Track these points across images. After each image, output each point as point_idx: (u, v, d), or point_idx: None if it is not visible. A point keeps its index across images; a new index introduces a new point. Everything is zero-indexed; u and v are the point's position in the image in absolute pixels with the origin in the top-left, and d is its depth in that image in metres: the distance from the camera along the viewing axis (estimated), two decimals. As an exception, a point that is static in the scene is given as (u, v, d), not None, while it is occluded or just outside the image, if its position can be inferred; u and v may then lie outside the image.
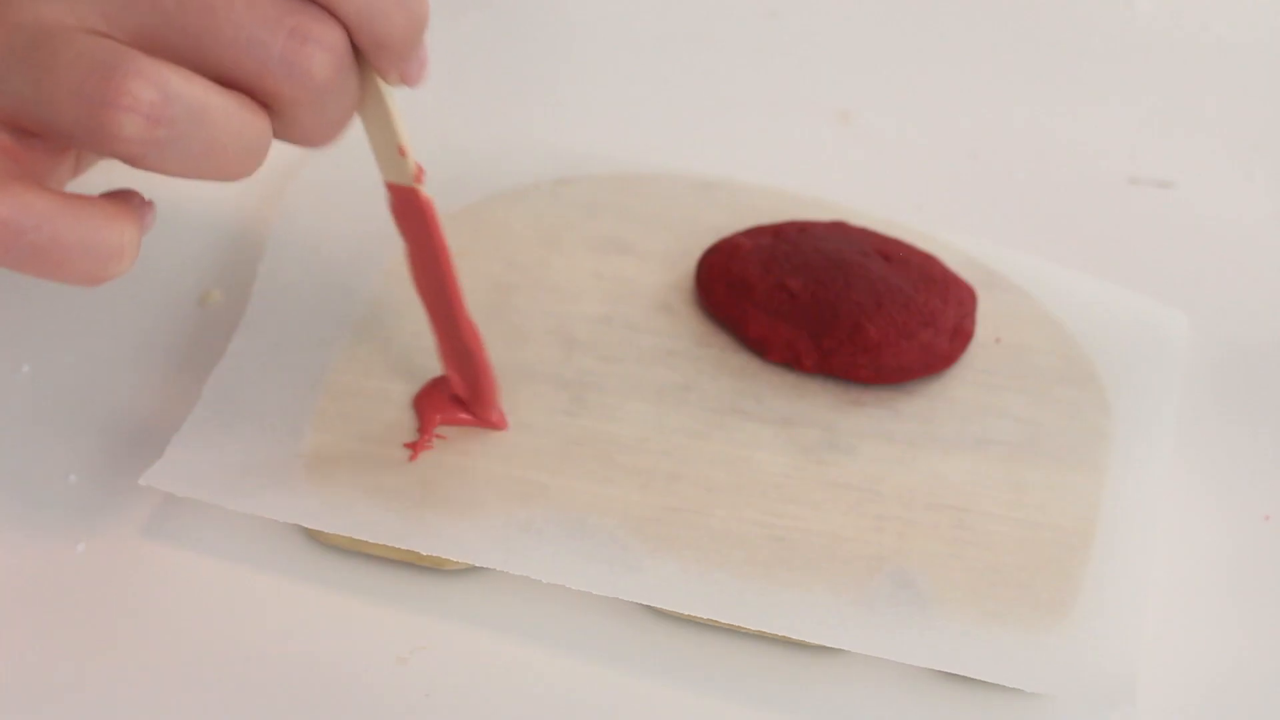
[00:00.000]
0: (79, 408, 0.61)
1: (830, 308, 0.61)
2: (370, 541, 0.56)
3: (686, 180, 0.68)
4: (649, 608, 0.56)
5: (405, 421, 0.59)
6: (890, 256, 0.63)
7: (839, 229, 0.64)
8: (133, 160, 0.47)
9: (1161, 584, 0.58)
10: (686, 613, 0.55)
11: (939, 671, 0.55)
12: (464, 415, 0.58)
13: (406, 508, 0.56)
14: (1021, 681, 0.53)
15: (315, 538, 0.57)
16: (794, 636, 0.54)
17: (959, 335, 0.62)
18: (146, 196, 0.50)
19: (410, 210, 0.55)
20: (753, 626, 0.54)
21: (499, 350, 0.61)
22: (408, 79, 0.51)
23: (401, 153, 0.53)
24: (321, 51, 0.48)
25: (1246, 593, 0.58)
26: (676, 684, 0.55)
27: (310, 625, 0.56)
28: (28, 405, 0.62)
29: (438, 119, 0.74)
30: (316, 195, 0.67)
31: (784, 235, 0.63)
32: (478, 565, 0.56)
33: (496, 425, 0.58)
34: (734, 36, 0.79)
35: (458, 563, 0.56)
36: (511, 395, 0.59)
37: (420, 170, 0.54)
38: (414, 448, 0.58)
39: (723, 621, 0.55)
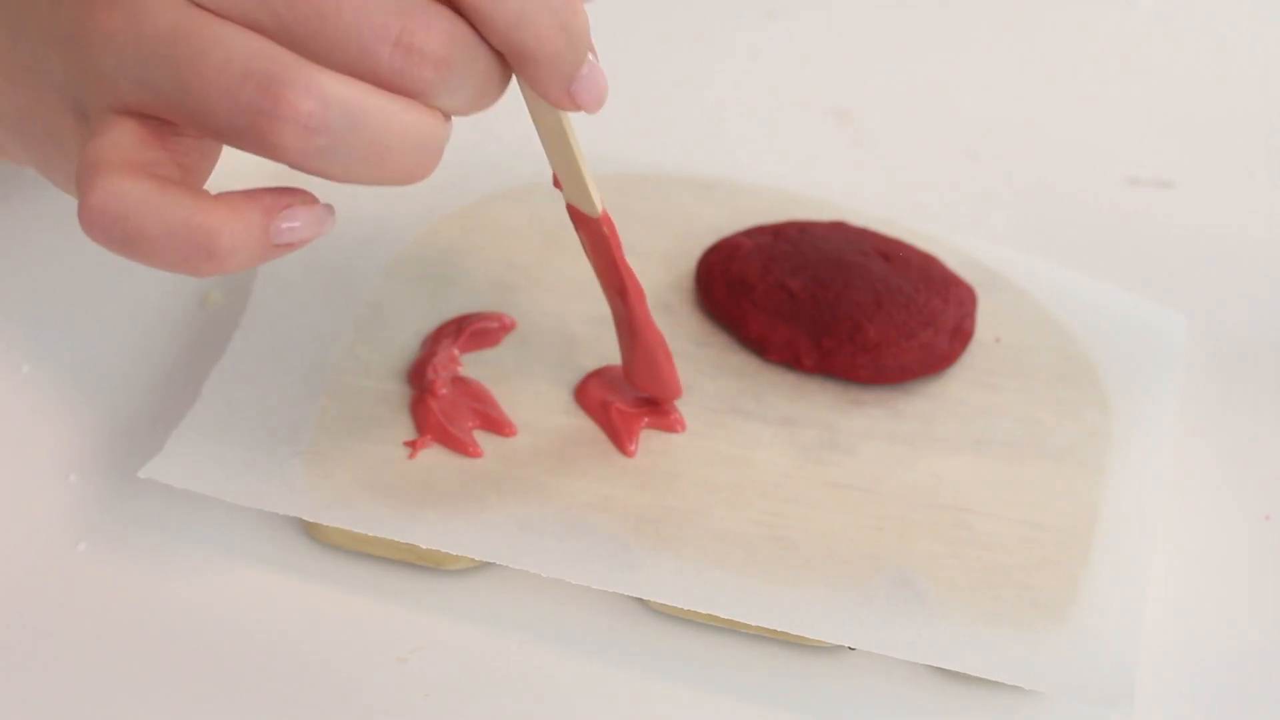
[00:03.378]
0: (79, 408, 0.61)
1: (830, 308, 0.61)
2: (369, 537, 0.56)
3: (686, 180, 0.68)
4: (649, 608, 0.56)
5: (404, 421, 0.59)
6: (890, 256, 0.63)
7: (839, 229, 0.64)
8: (295, 167, 0.46)
9: (1161, 584, 0.58)
10: (685, 608, 0.55)
11: (938, 671, 0.55)
12: (453, 433, 0.58)
13: (406, 503, 0.56)
14: (1020, 679, 0.53)
15: (314, 535, 0.57)
16: (792, 632, 0.54)
17: (959, 335, 0.62)
18: (323, 201, 0.48)
19: (591, 234, 0.55)
20: (751, 622, 0.54)
21: (500, 350, 0.61)
22: (577, 101, 0.49)
23: (584, 184, 0.53)
24: (429, 61, 0.46)
25: (1246, 593, 0.58)
26: (676, 684, 0.55)
27: (310, 624, 0.56)
28: (28, 405, 0.62)
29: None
30: (317, 195, 0.67)
31: (784, 235, 0.63)
32: (477, 560, 0.56)
33: (471, 453, 0.58)
34: (734, 36, 0.79)
35: (457, 561, 0.56)
36: (511, 396, 0.59)
37: (606, 214, 0.54)
38: (414, 446, 0.58)
39: (722, 618, 0.55)
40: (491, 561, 0.55)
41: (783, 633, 0.55)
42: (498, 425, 0.58)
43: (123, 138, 0.46)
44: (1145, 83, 0.78)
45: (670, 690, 0.55)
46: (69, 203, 0.69)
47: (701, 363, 0.61)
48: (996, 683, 0.54)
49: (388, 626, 0.56)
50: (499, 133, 0.71)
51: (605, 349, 0.61)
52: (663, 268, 0.64)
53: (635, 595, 0.55)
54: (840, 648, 0.56)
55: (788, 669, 0.55)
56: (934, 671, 0.55)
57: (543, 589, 0.56)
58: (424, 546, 0.55)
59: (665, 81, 0.77)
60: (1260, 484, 0.62)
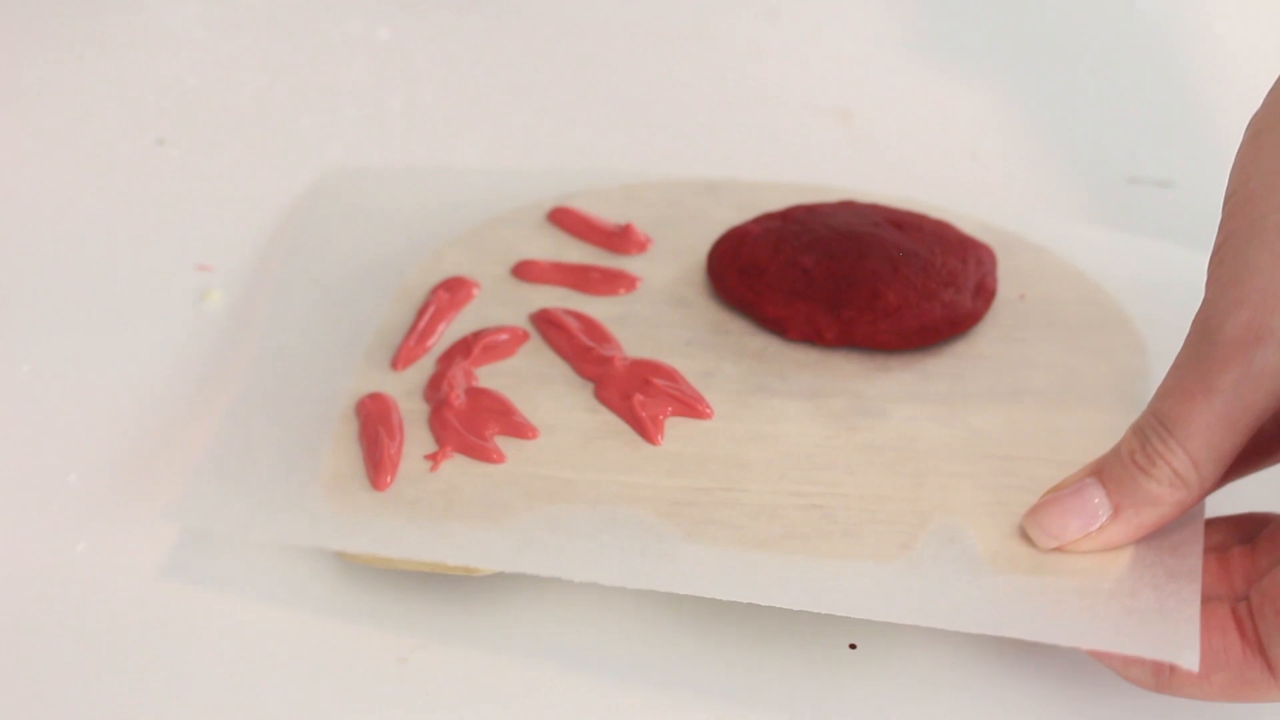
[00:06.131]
0: (79, 408, 0.61)
1: (846, 279, 0.60)
2: (397, 557, 0.55)
3: (690, 183, 0.68)
4: (651, 603, 0.56)
5: (424, 436, 0.58)
6: (903, 225, 0.62)
7: (847, 206, 0.63)
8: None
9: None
10: (727, 599, 0.53)
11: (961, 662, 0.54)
12: (473, 441, 0.57)
13: (430, 518, 0.55)
14: (1080, 639, 0.51)
15: (344, 557, 0.56)
16: (840, 614, 0.52)
17: (982, 293, 0.61)
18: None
19: None
20: (797, 608, 0.53)
21: (515, 360, 0.60)
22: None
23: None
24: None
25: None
26: (678, 683, 0.55)
27: (310, 625, 0.56)
28: (28, 405, 0.62)
29: (439, 139, 0.74)
30: (322, 227, 0.67)
31: (792, 217, 0.63)
32: (508, 571, 0.54)
33: (493, 458, 0.57)
34: (734, 35, 0.79)
35: (489, 569, 0.55)
36: (530, 401, 0.59)
37: None
38: (434, 459, 0.57)
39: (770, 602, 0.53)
40: (521, 572, 0.54)
41: None
42: (519, 429, 0.57)
43: None
44: (1145, 83, 0.78)
45: (672, 689, 0.55)
46: (67, 200, 0.69)
47: (721, 349, 0.60)
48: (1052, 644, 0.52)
49: (388, 626, 0.56)
50: (501, 156, 0.71)
51: (623, 346, 0.61)
52: (673, 263, 0.64)
53: (673, 591, 0.53)
54: (856, 640, 0.55)
55: (794, 670, 0.55)
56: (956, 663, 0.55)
57: (542, 587, 0.56)
58: (451, 563, 0.54)
59: (665, 81, 0.77)
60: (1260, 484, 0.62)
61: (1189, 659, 0.50)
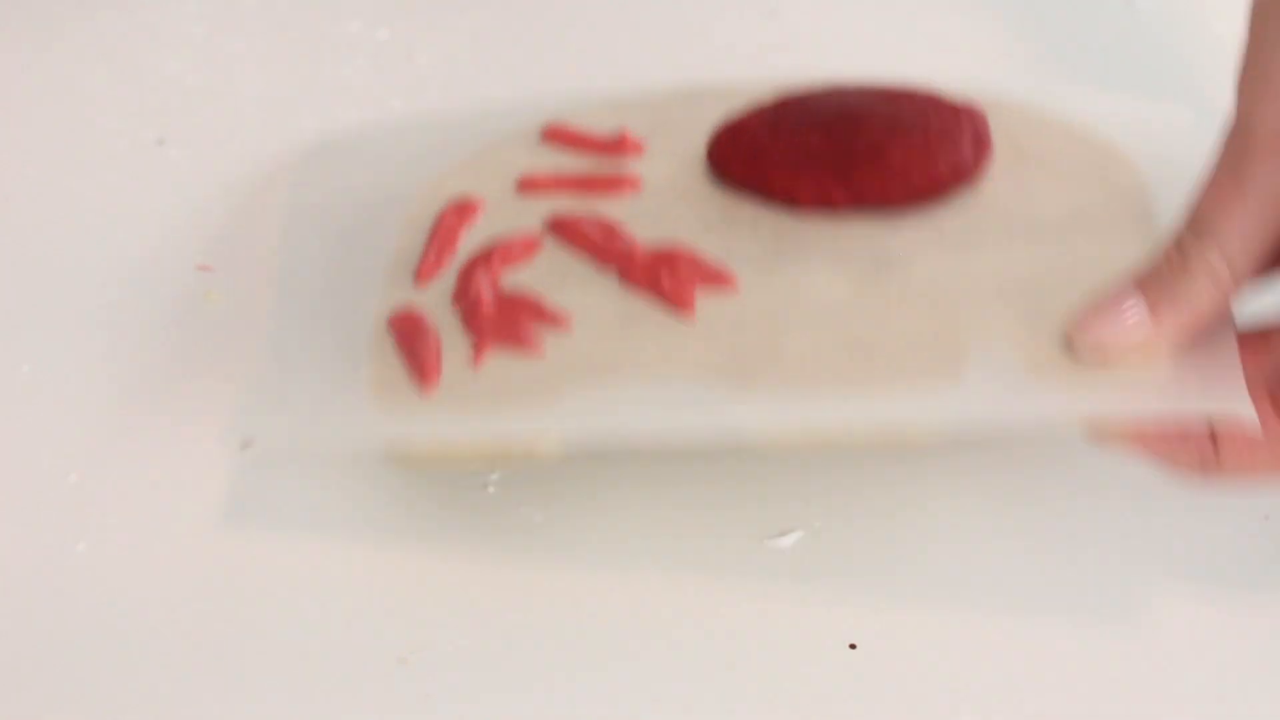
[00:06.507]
0: (79, 408, 0.61)
1: (849, 146, 0.62)
2: (458, 450, 0.55)
3: (674, 91, 0.69)
4: (646, 606, 0.56)
5: (460, 339, 0.58)
6: (892, 98, 0.64)
7: (836, 90, 0.65)
8: None
9: (1159, 585, 0.58)
10: (796, 435, 0.55)
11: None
12: (511, 333, 0.58)
13: (484, 410, 0.56)
14: (1134, 409, 0.53)
15: (402, 462, 0.57)
16: (903, 434, 0.54)
17: (980, 145, 0.63)
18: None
19: None
20: (859, 436, 0.54)
21: (534, 264, 0.61)
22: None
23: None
24: None
25: (1246, 593, 0.58)
26: (677, 682, 0.55)
27: (311, 624, 0.56)
28: (28, 405, 0.62)
29: (433, 87, 0.74)
30: (322, 181, 0.67)
31: (785, 104, 0.64)
32: (573, 443, 0.55)
33: (533, 346, 0.57)
34: (734, 36, 0.79)
35: (547, 453, 0.55)
36: (559, 294, 0.59)
37: None
38: (475, 356, 0.57)
39: (832, 436, 0.54)
40: (599, 439, 0.55)
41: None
42: (552, 318, 0.58)
43: None
44: (1145, 83, 0.78)
45: (672, 688, 0.55)
46: (67, 200, 0.69)
47: (736, 229, 0.61)
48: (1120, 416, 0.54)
49: (388, 626, 0.56)
50: (485, 88, 0.71)
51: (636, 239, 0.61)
52: (671, 162, 0.65)
53: (739, 442, 0.54)
54: (856, 640, 0.55)
55: (794, 669, 0.55)
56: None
57: (540, 587, 0.56)
58: (518, 441, 0.55)
59: (665, 82, 0.77)
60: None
61: (1245, 410, 0.52)
